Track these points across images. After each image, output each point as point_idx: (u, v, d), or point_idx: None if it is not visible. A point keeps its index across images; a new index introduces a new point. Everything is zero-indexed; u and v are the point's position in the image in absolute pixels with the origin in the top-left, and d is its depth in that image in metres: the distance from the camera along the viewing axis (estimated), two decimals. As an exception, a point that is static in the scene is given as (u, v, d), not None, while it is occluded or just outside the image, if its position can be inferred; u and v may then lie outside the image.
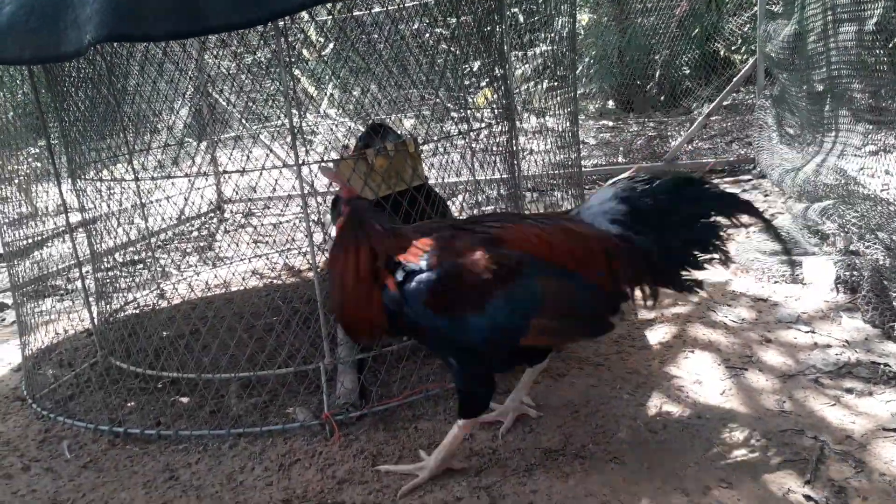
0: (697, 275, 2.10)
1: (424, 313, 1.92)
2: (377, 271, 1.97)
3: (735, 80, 6.15)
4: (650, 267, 2.05)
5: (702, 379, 2.52)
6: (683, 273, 2.09)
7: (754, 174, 5.45)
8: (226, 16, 2.04)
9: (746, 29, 7.73)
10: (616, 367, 2.66)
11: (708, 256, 2.07)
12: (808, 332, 2.80)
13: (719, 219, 2.04)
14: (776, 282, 3.30)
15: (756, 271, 3.42)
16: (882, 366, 2.47)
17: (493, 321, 1.89)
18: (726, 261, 2.09)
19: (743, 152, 6.03)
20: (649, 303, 2.11)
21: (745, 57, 7.63)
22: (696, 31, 7.95)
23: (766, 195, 4.89)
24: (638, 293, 2.09)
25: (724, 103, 6.85)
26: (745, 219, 2.06)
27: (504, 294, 1.89)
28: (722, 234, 2.05)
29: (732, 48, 7.98)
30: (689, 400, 2.39)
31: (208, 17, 2.03)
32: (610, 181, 2.38)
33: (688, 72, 8.04)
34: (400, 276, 1.94)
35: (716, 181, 5.32)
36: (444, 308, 1.91)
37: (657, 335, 2.90)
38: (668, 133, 7.17)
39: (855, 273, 3.09)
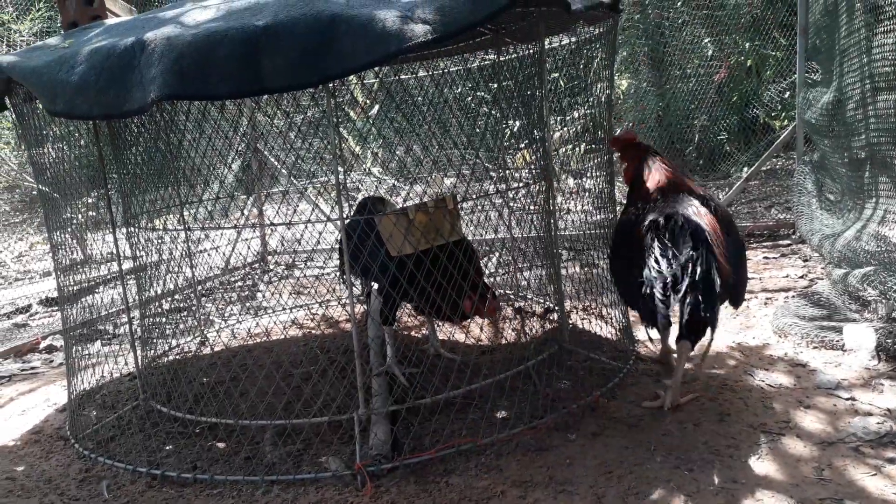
0: None
1: None
2: None
3: (774, 145, 6.16)
4: None
5: (737, 443, 2.49)
6: None
7: (794, 239, 5.41)
8: (283, 78, 2.17)
9: (786, 96, 7.78)
10: (650, 429, 2.64)
11: None
12: (848, 399, 2.74)
13: None
14: (815, 347, 3.26)
15: (795, 336, 3.37)
16: (926, 437, 2.41)
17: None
18: None
19: (782, 217, 6.00)
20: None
21: (784, 123, 7.65)
22: (735, 97, 8.02)
23: (806, 260, 4.84)
24: None
25: (764, 168, 6.85)
26: None
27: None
28: None
29: (772, 114, 8.01)
30: (725, 464, 2.35)
31: (266, 79, 2.17)
32: None
33: (725, 138, 8.08)
34: None
35: (754, 245, 5.31)
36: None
37: (692, 398, 2.87)
38: (707, 197, 7.16)
39: (897, 341, 3.03)
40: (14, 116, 3.27)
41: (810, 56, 5.88)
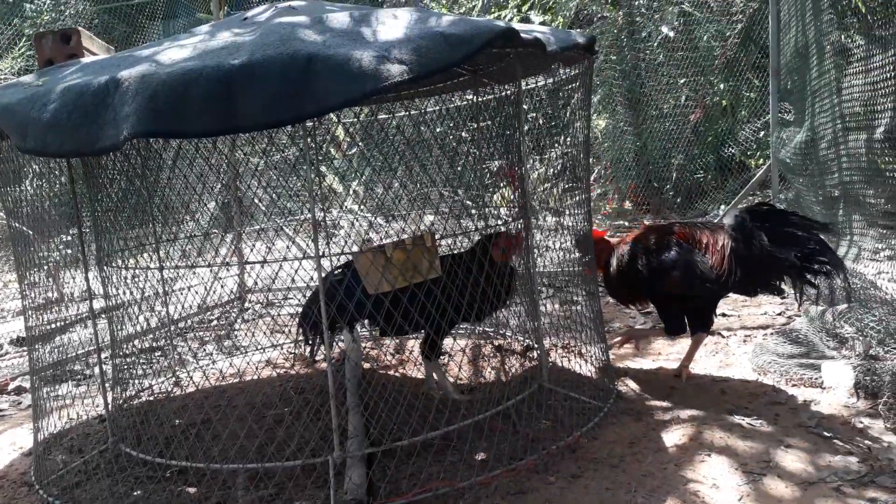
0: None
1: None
2: None
3: (750, 183, 6.27)
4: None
5: (718, 483, 2.45)
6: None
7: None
8: (259, 117, 2.17)
9: (761, 135, 7.93)
10: (631, 470, 2.60)
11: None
12: (828, 437, 2.73)
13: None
14: (794, 385, 3.25)
15: (774, 374, 3.37)
16: (906, 475, 2.39)
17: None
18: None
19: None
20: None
21: (759, 161, 7.78)
22: (711, 136, 8.17)
23: (784, 298, 4.86)
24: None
25: (740, 206, 6.94)
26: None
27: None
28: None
29: (748, 153, 8.15)
30: (706, 506, 2.32)
31: (242, 116, 2.16)
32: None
33: (702, 177, 8.20)
34: None
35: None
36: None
37: (673, 437, 2.84)
38: (685, 234, 7.23)
39: (875, 378, 3.04)
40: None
41: (783, 97, 6.02)
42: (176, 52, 2.52)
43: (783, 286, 3.28)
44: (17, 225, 3.28)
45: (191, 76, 2.22)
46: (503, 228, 3.21)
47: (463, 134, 4.28)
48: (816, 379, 3.22)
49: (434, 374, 3.39)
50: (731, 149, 8.17)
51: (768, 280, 3.20)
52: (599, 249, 3.57)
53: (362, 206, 5.60)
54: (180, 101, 2.19)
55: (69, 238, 3.94)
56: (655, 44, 8.03)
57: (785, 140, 5.67)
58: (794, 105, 5.75)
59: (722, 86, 8.07)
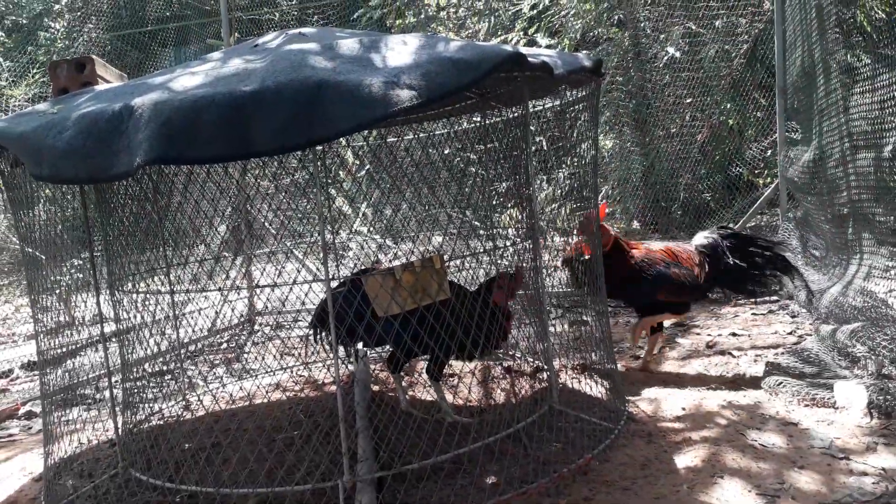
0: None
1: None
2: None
3: (758, 202, 6.26)
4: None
5: (732, 506, 2.43)
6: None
7: (781, 295, 5.43)
8: (270, 142, 2.19)
9: (768, 154, 7.93)
10: (643, 493, 2.58)
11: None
12: (842, 458, 2.70)
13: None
14: (807, 405, 3.23)
15: (785, 394, 3.35)
16: (923, 497, 2.36)
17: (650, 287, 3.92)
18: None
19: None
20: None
21: (767, 180, 7.78)
22: (718, 156, 8.17)
23: (794, 316, 4.85)
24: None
25: (749, 225, 6.93)
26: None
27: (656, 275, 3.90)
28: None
29: (755, 172, 8.15)
30: (720, 529, 2.30)
31: (253, 142, 2.19)
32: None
33: (710, 196, 8.20)
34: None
35: (742, 302, 5.31)
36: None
37: (685, 459, 2.82)
38: (694, 253, 7.22)
39: (889, 397, 3.01)
40: (1, 181, 3.28)
41: (790, 116, 6.03)
42: (188, 80, 2.56)
43: (752, 289, 4.05)
44: (29, 250, 3.32)
45: (203, 103, 2.26)
46: (507, 269, 3.36)
47: (471, 156, 4.31)
48: (829, 399, 3.20)
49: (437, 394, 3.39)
50: (738, 168, 8.18)
51: (736, 286, 4.04)
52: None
53: (371, 229, 5.63)
54: (193, 128, 2.22)
55: (80, 262, 3.98)
56: (661, 64, 8.07)
57: (793, 159, 5.67)
58: (802, 124, 5.76)
59: (728, 105, 8.09)
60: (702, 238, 4.14)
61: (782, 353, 3.88)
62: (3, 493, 3.19)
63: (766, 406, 3.29)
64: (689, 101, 8.03)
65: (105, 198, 3.20)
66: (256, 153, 2.39)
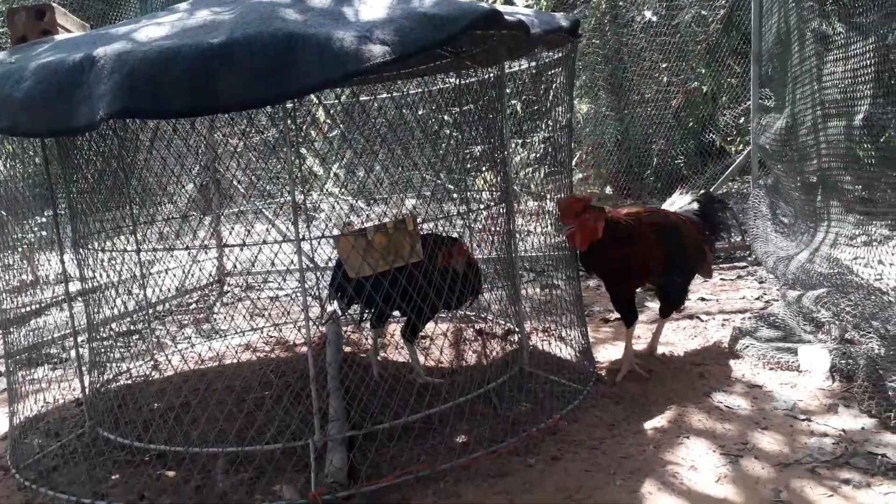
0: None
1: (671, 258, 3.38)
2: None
3: (730, 169, 6.30)
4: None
5: (697, 465, 2.48)
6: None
7: (749, 261, 5.51)
8: (238, 96, 2.13)
9: (741, 121, 7.97)
10: (611, 452, 2.62)
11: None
12: (804, 420, 2.77)
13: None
14: (772, 369, 3.29)
15: (751, 357, 3.41)
16: (880, 457, 2.43)
17: (693, 263, 3.55)
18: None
19: (738, 240, 6.10)
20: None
21: (740, 147, 7.83)
22: (692, 122, 8.19)
23: (762, 282, 4.92)
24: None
25: (720, 192, 6.99)
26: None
27: (697, 251, 3.56)
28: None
29: (728, 139, 8.19)
30: (684, 487, 2.35)
31: (220, 96, 2.12)
32: (679, 194, 3.97)
33: (683, 162, 8.24)
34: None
35: (712, 267, 5.37)
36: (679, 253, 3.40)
37: (653, 420, 2.87)
38: (666, 219, 7.27)
39: (850, 361, 3.08)
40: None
41: (764, 83, 6.04)
42: (154, 30, 2.47)
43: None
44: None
45: (169, 54, 2.18)
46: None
47: (445, 117, 4.25)
48: (793, 362, 3.27)
49: (410, 355, 3.39)
50: (711, 134, 8.21)
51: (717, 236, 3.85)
52: (589, 218, 3.25)
53: (343, 190, 5.57)
54: (158, 80, 2.15)
55: (44, 220, 3.88)
56: (638, 28, 8.01)
57: (765, 126, 5.70)
58: (775, 91, 5.77)
59: (703, 71, 8.08)
60: (682, 201, 3.87)
61: (749, 318, 3.95)
62: (-34, 452, 3.14)
63: (733, 369, 3.35)
64: (664, 66, 8.01)
65: (69, 153, 3.10)
66: (224, 108, 2.32)
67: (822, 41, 4.75)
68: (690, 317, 4.21)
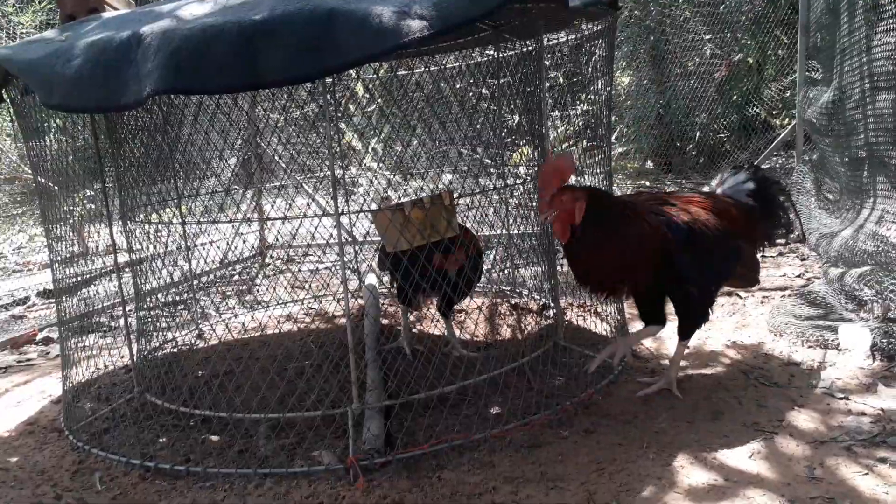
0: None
1: (681, 259, 2.67)
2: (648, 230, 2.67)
3: (774, 143, 6.16)
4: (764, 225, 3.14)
5: (730, 441, 2.49)
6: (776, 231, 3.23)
7: (791, 238, 5.41)
8: (279, 73, 2.17)
9: (787, 94, 7.76)
10: (644, 426, 2.64)
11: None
12: (842, 398, 2.75)
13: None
14: (811, 347, 3.26)
15: (790, 335, 3.38)
16: (918, 437, 2.41)
17: (718, 266, 2.83)
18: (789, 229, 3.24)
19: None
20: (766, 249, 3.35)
21: (784, 121, 7.65)
22: (736, 95, 8.01)
23: (803, 259, 4.84)
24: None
25: (763, 167, 6.85)
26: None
27: (723, 250, 2.81)
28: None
29: (773, 112, 8.00)
30: (717, 462, 2.36)
31: (263, 73, 2.17)
32: (732, 169, 3.32)
33: (725, 137, 8.08)
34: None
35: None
36: (694, 252, 2.69)
37: (687, 395, 2.87)
38: (706, 195, 7.17)
39: (892, 341, 3.03)
40: (11, 109, 3.28)
41: (811, 54, 5.86)
42: (197, 7, 2.52)
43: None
44: (41, 180, 3.34)
45: (212, 31, 2.23)
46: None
47: (483, 91, 4.24)
48: (833, 341, 3.23)
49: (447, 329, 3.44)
50: (755, 108, 8.02)
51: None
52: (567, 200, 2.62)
53: (381, 164, 5.61)
54: (202, 57, 2.20)
55: (92, 193, 4.01)
56: (681, -1, 7.84)
57: (812, 99, 5.55)
58: (823, 63, 5.61)
59: (749, 42, 7.88)
60: (736, 179, 3.20)
61: (789, 295, 3.90)
62: (24, 413, 3.31)
63: (770, 346, 3.32)
64: (708, 37, 7.83)
65: (116, 127, 3.20)
66: (265, 84, 2.37)
67: (874, 10, 4.60)
68: (728, 294, 4.18)
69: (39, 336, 4.55)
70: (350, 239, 4.02)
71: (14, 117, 3.50)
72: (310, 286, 4.71)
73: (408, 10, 2.25)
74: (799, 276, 4.46)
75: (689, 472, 2.30)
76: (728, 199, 3.07)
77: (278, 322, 4.17)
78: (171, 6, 2.64)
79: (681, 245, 2.67)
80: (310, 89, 3.93)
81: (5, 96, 3.06)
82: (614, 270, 2.67)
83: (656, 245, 2.65)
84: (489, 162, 4.45)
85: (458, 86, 4.45)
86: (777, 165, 7.88)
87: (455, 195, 3.07)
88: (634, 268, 2.67)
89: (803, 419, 2.62)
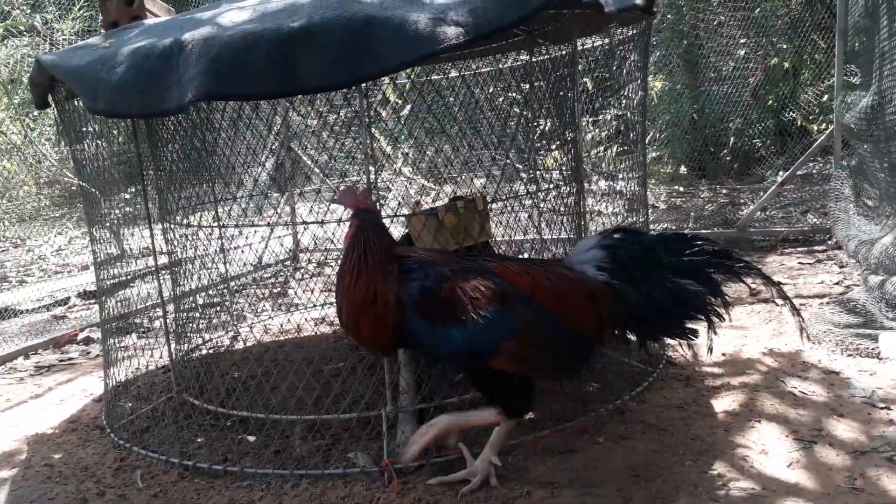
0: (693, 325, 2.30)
1: (412, 317, 2.14)
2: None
3: (811, 149, 6.05)
4: (635, 316, 2.24)
5: (768, 449, 2.46)
6: (672, 325, 2.29)
7: (829, 245, 5.31)
8: (317, 79, 2.21)
9: (824, 99, 7.63)
10: (679, 433, 2.62)
11: (697, 314, 2.26)
12: (883, 408, 2.69)
13: (712, 274, 2.25)
14: (850, 355, 3.20)
15: (829, 343, 3.32)
16: (964, 448, 2.35)
17: (470, 336, 2.10)
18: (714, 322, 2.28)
19: (818, 222, 5.90)
20: (641, 350, 2.39)
21: (822, 126, 7.51)
22: (771, 100, 7.89)
23: (842, 266, 4.76)
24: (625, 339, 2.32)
25: (799, 172, 6.74)
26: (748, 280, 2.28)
27: (484, 315, 2.10)
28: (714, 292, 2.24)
29: (809, 117, 7.87)
30: (754, 470, 2.33)
31: (301, 79, 2.20)
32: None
33: (760, 142, 7.97)
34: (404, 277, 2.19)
35: (789, 251, 5.22)
36: (428, 314, 2.14)
37: (723, 403, 2.84)
38: (741, 200, 7.09)
39: (935, 350, 2.97)
40: (56, 113, 3.36)
41: (849, 59, 5.77)
42: (236, 14, 2.56)
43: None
44: (84, 184, 3.42)
45: (252, 39, 2.27)
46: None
47: (515, 95, 4.24)
48: (873, 349, 3.17)
49: None
50: (791, 113, 7.89)
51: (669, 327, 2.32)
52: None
53: (416, 169, 5.64)
54: (242, 64, 2.25)
55: (129, 196, 4.10)
56: (716, 2, 7.76)
57: (850, 104, 5.45)
58: (861, 68, 5.51)
59: (785, 46, 7.76)
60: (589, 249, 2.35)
61: (827, 303, 3.83)
62: (67, 411, 3.39)
63: (808, 354, 3.27)
64: (742, 41, 7.73)
65: (155, 132, 3.27)
66: (304, 90, 2.41)
67: (915, 14, 4.51)
68: (765, 301, 4.12)
69: (80, 336, 4.66)
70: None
71: (57, 122, 3.59)
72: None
73: (444, 17, 2.27)
74: (837, 283, 4.38)
75: (727, 480, 2.28)
76: (567, 270, 2.30)
77: (315, 324, 4.20)
78: (211, 13, 2.70)
79: (414, 304, 2.16)
80: (345, 94, 3.96)
81: (51, 101, 3.14)
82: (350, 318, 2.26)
83: (387, 299, 2.18)
84: (521, 167, 4.45)
85: (490, 90, 4.46)
86: (814, 171, 7.76)
87: (488, 199, 3.08)
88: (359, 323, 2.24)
89: (843, 429, 2.57)
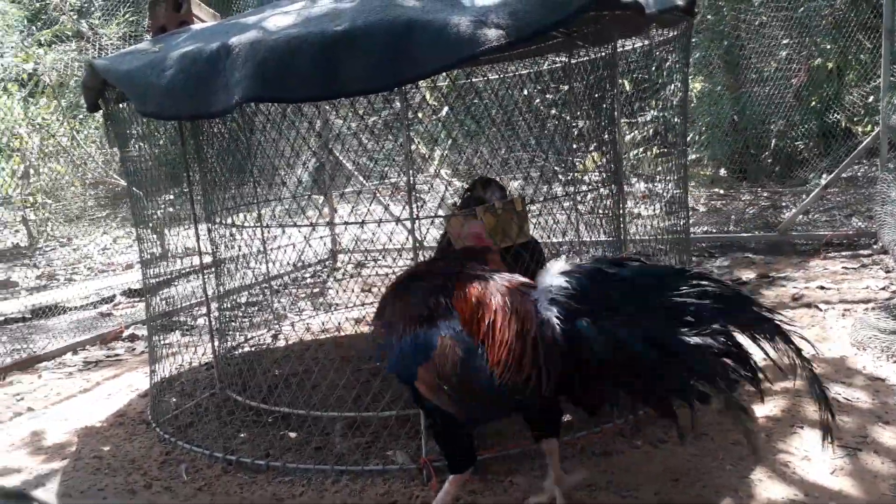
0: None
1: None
2: None
3: (856, 151, 5.92)
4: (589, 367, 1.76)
5: (810, 456, 2.42)
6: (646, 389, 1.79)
7: (875, 249, 5.20)
8: (360, 82, 2.25)
9: (870, 100, 7.45)
10: (719, 438, 2.60)
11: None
12: (931, 416, 2.64)
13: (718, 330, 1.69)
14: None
15: (874, 349, 3.25)
16: None
17: (400, 352, 2.01)
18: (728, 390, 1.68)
19: (863, 226, 5.76)
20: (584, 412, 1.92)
21: (867, 128, 7.34)
22: (815, 101, 7.73)
23: (888, 271, 4.65)
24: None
25: (844, 175, 6.60)
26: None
27: (414, 334, 1.98)
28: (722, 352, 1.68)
29: (854, 119, 7.69)
30: (796, 477, 2.30)
31: (344, 82, 2.25)
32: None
33: (803, 144, 7.81)
34: None
35: (833, 255, 5.12)
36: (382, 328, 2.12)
37: (765, 408, 2.80)
38: (783, 203, 6.97)
39: None
40: (103, 116, 3.47)
41: (896, 59, 5.63)
42: (281, 19, 2.62)
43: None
44: (125, 184, 3.51)
45: (296, 42, 2.32)
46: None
47: (553, 97, 4.24)
48: (921, 356, 3.10)
49: None
50: (835, 114, 7.72)
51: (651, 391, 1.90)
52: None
53: (457, 170, 5.66)
54: (287, 68, 2.30)
55: (172, 197, 4.20)
56: (757, 2, 7.63)
57: (897, 105, 5.34)
58: (910, 67, 5.38)
59: (829, 47, 7.59)
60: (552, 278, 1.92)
61: (873, 309, 3.75)
62: (114, 406, 3.49)
63: (853, 361, 3.21)
64: (785, 42, 7.59)
65: (201, 134, 3.34)
66: (347, 93, 2.45)
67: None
68: (808, 305, 4.05)
69: (126, 333, 4.79)
70: (420, 245, 4.08)
71: (106, 124, 3.69)
72: (380, 290, 4.79)
73: (485, 20, 2.29)
74: (883, 288, 4.29)
75: (768, 486, 2.25)
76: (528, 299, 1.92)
77: (354, 323, 4.25)
78: (256, 18, 2.76)
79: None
80: (385, 96, 4.01)
81: (101, 104, 3.24)
82: None
83: None
84: (559, 169, 4.44)
85: (525, 92, 4.46)
86: (859, 174, 7.58)
87: (526, 200, 3.09)
88: None
89: (889, 436, 2.52)
